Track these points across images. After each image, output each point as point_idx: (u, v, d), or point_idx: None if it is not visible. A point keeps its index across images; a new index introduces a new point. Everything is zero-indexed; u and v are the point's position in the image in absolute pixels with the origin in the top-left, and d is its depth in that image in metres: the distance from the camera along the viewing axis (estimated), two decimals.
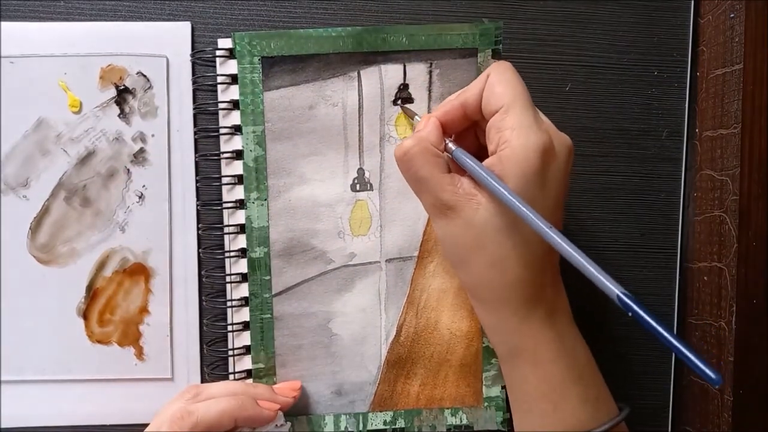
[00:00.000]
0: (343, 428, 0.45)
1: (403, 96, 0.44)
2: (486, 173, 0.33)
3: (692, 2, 0.46)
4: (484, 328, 0.38)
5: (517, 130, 0.33)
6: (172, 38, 0.44)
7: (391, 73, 0.44)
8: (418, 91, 0.43)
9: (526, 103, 0.34)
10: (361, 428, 0.45)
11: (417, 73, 0.44)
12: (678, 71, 0.46)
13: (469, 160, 0.35)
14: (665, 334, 0.26)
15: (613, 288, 0.29)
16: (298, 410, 0.45)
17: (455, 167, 0.36)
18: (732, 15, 0.43)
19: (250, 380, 0.44)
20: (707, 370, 0.25)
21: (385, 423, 0.45)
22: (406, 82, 0.44)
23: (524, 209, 0.31)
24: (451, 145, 0.36)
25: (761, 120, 0.42)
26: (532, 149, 0.33)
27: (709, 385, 0.45)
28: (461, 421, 0.45)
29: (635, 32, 0.46)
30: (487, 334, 0.38)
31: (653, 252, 0.47)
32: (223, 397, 0.40)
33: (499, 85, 0.34)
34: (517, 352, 0.36)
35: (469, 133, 0.39)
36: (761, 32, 0.42)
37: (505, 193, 0.32)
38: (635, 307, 0.27)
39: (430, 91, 0.44)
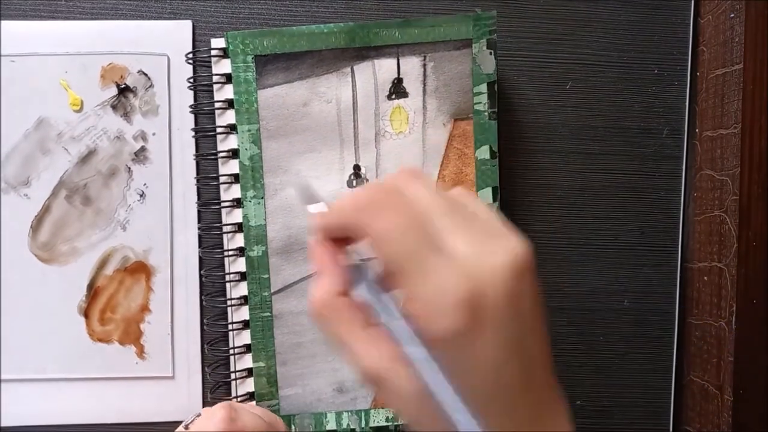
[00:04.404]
0: (345, 425, 0.45)
1: (398, 90, 0.44)
2: (402, 332, 0.24)
3: (692, 2, 0.46)
4: None
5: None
6: (173, 37, 0.44)
7: (385, 68, 0.43)
8: (412, 84, 0.43)
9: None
10: (363, 425, 0.45)
11: (411, 66, 0.43)
12: (678, 69, 0.46)
13: (384, 314, 0.25)
14: None
15: None
16: (300, 408, 0.45)
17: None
18: (732, 15, 0.43)
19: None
20: None
21: (387, 420, 0.45)
22: (400, 76, 0.43)
23: (443, 394, 0.23)
24: (359, 292, 0.26)
25: (761, 120, 0.42)
26: (449, 302, 0.22)
27: (709, 384, 0.45)
28: None
29: (635, 31, 0.46)
30: None
31: (653, 250, 0.47)
32: None
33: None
34: None
35: None
36: (761, 32, 0.42)
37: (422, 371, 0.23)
38: None
39: (424, 84, 0.43)
